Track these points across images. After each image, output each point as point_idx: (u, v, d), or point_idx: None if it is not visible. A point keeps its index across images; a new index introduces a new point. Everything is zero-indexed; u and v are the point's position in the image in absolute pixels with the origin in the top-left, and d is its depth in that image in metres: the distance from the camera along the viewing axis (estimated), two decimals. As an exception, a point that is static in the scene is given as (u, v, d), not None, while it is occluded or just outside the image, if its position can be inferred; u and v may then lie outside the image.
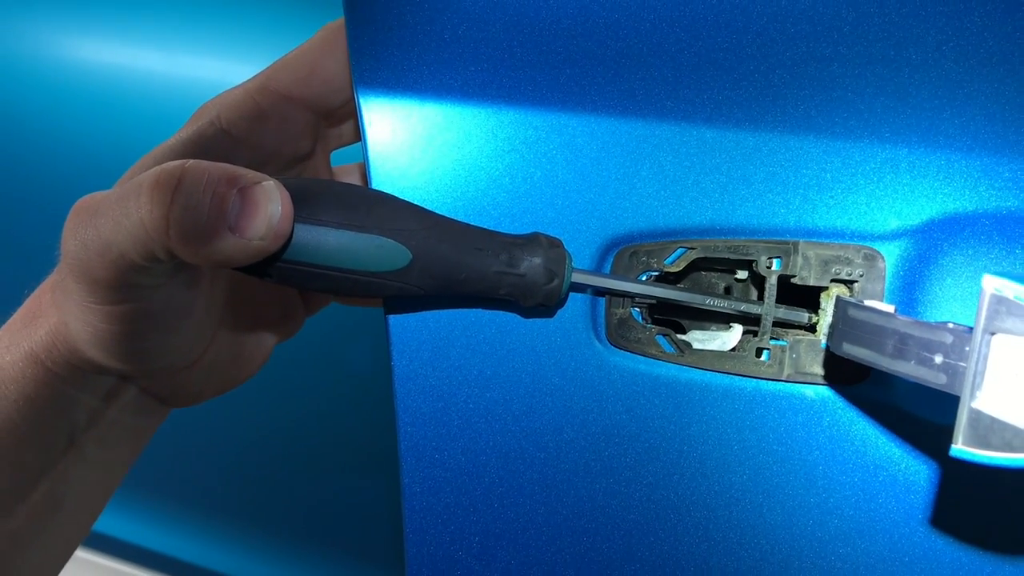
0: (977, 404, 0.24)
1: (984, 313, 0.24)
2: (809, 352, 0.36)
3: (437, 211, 0.35)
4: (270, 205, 0.30)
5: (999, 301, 0.23)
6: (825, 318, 0.36)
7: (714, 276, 0.42)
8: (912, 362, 0.27)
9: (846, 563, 0.36)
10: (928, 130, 0.35)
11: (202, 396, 0.42)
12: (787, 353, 0.36)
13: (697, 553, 0.37)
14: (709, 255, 0.36)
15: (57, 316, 0.35)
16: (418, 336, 0.38)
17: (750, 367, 0.36)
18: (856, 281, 0.35)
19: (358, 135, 0.38)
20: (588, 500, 0.37)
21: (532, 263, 0.34)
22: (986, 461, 0.23)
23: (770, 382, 0.36)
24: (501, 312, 0.37)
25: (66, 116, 0.86)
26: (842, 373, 0.35)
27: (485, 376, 0.38)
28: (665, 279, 0.38)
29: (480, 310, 0.38)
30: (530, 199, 0.37)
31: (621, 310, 0.38)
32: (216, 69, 0.80)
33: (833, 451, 0.36)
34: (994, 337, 0.24)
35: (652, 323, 0.38)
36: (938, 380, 0.26)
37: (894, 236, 0.35)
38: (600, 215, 0.37)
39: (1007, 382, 0.23)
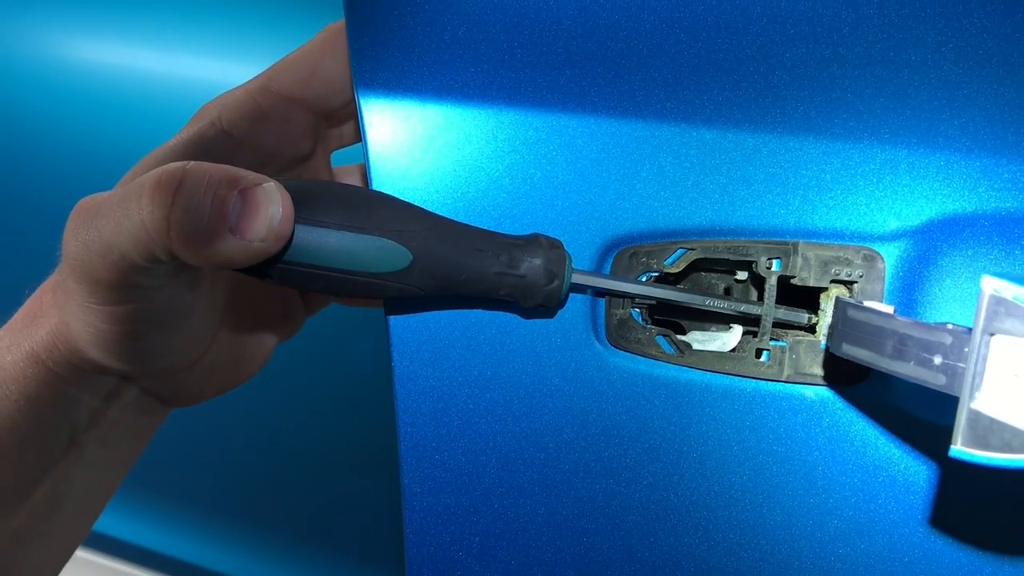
0: (976, 405, 0.24)
1: (983, 314, 0.24)
2: (809, 353, 0.36)
3: (437, 212, 0.35)
4: (271, 206, 0.30)
5: (998, 302, 0.23)
6: (825, 319, 0.36)
7: (714, 277, 0.42)
8: (911, 363, 0.27)
9: (846, 563, 0.36)
10: (927, 131, 0.35)
11: (203, 396, 0.42)
12: (787, 354, 0.36)
13: (697, 554, 0.37)
14: (709, 256, 0.37)
15: (58, 316, 0.35)
16: (418, 337, 0.38)
17: (750, 368, 0.36)
18: (856, 282, 0.35)
19: (358, 136, 0.38)
20: (588, 501, 0.38)
21: (532, 264, 0.34)
22: (985, 462, 0.23)
23: (770, 383, 0.36)
24: (501, 313, 0.38)
25: (67, 116, 0.86)
26: (842, 374, 0.36)
27: (485, 377, 0.38)
28: (665, 280, 0.38)
29: (480, 311, 0.38)
30: (530, 200, 0.37)
31: (621, 311, 0.38)
32: (216, 69, 0.81)
33: (833, 452, 0.36)
34: (993, 338, 0.24)
35: (652, 324, 0.38)
36: (937, 381, 0.26)
37: (893, 237, 0.35)
38: (600, 216, 0.37)
39: (1006, 383, 0.23)
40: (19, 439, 0.37)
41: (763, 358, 0.36)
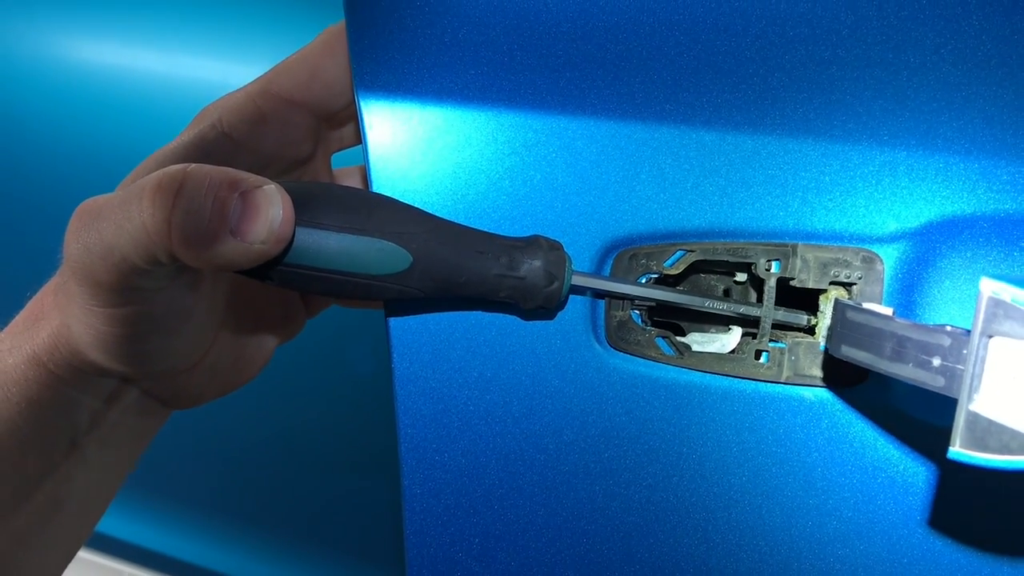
0: (975, 407, 0.24)
1: (981, 316, 0.24)
2: (808, 354, 0.36)
3: (437, 214, 0.35)
4: (271, 209, 0.31)
5: (996, 304, 0.23)
6: (824, 320, 0.36)
7: (713, 278, 0.42)
8: (910, 365, 0.27)
9: (845, 564, 0.36)
10: (926, 133, 0.35)
11: (203, 398, 0.43)
12: (786, 355, 0.36)
13: (696, 555, 0.37)
14: (708, 258, 0.37)
15: (59, 319, 0.35)
16: (418, 338, 0.38)
17: (749, 369, 0.36)
18: (855, 283, 0.35)
19: (359, 138, 0.38)
20: (588, 502, 0.38)
21: (532, 266, 0.34)
22: (984, 463, 0.23)
23: (769, 384, 0.36)
24: (501, 315, 0.38)
25: (67, 118, 0.86)
26: (841, 375, 0.36)
27: (485, 378, 0.38)
28: (664, 281, 0.38)
29: (480, 312, 0.38)
30: (530, 202, 0.37)
31: (621, 312, 0.38)
32: (216, 70, 0.81)
33: (832, 453, 0.36)
34: (991, 340, 0.24)
35: (652, 325, 0.39)
36: (936, 383, 0.26)
37: (892, 239, 0.35)
38: (600, 218, 0.37)
39: (1004, 385, 0.23)
40: (20, 441, 0.37)
41: (762, 359, 0.37)
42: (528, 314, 0.37)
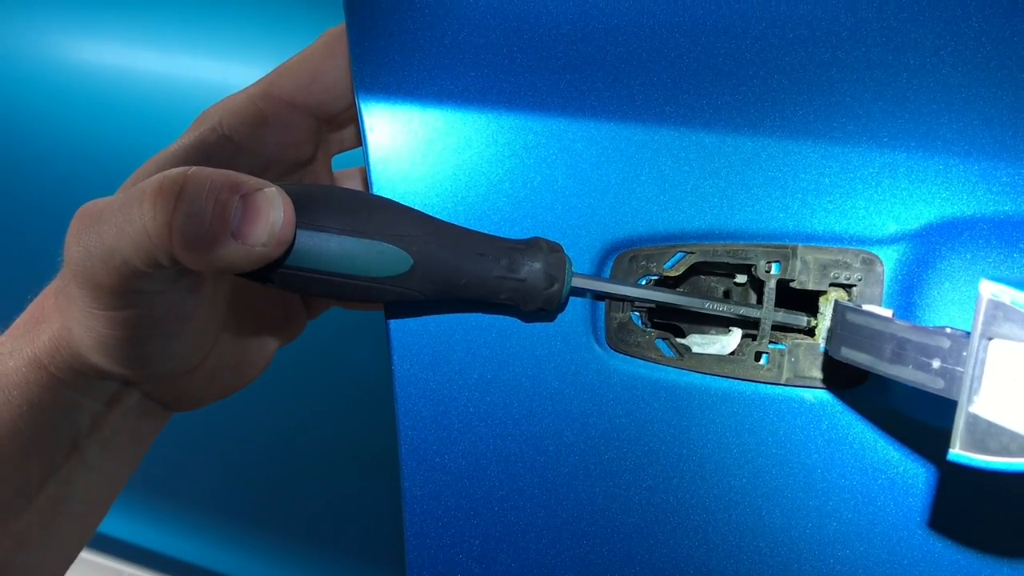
0: (974, 409, 0.24)
1: (981, 318, 0.24)
2: (808, 356, 0.36)
3: (438, 216, 0.35)
4: (272, 211, 0.31)
5: (996, 306, 0.23)
6: (824, 322, 0.36)
7: (713, 280, 0.42)
8: (910, 366, 0.27)
9: (845, 566, 0.36)
10: (926, 134, 0.35)
11: (204, 400, 0.43)
12: (786, 357, 0.36)
13: (696, 556, 0.37)
14: (708, 259, 0.37)
15: (60, 321, 0.35)
16: (419, 341, 0.38)
17: (749, 371, 0.36)
18: (855, 285, 0.35)
19: (359, 140, 0.38)
20: (588, 503, 0.38)
21: (532, 268, 0.34)
22: (983, 465, 0.23)
23: (769, 386, 0.36)
24: (501, 317, 0.38)
25: (68, 119, 0.86)
26: (840, 377, 0.36)
27: (485, 380, 0.38)
28: (664, 283, 0.38)
29: (480, 315, 0.38)
30: (530, 204, 0.37)
31: (621, 314, 0.38)
32: (217, 71, 0.81)
33: (831, 455, 0.36)
34: (991, 342, 0.24)
35: (652, 327, 0.39)
36: (936, 384, 0.26)
37: (892, 240, 0.35)
38: (600, 220, 0.37)
39: (1004, 387, 0.23)
40: (22, 444, 0.37)
41: (762, 361, 0.37)
42: (528, 316, 0.37)
